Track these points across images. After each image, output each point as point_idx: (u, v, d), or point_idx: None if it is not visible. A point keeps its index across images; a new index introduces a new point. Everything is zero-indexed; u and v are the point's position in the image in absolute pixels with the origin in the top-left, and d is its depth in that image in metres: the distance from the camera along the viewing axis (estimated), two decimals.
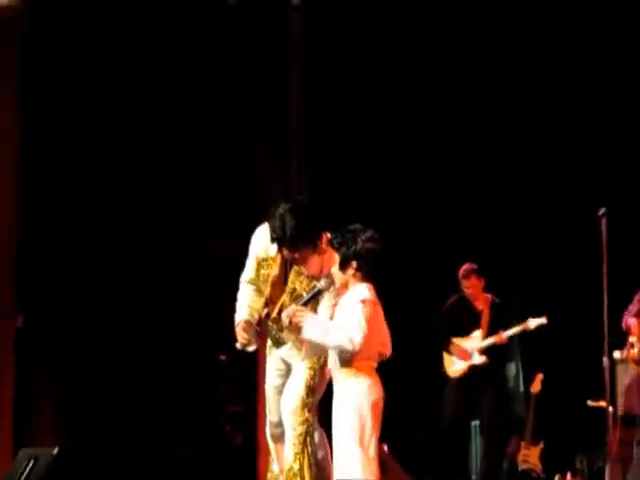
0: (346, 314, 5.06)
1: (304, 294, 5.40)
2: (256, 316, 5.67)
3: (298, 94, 9.66)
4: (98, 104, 9.33)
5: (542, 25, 9.82)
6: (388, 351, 5.19)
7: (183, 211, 9.67)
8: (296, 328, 5.16)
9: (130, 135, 9.49)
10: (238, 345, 5.67)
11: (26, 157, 9.08)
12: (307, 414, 5.40)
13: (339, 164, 9.67)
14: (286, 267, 5.58)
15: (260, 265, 5.68)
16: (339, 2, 9.81)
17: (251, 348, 5.73)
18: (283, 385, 5.70)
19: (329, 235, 5.40)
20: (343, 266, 5.12)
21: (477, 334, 8.89)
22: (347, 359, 5.03)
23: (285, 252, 5.47)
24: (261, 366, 9.71)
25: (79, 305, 9.35)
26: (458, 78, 10.05)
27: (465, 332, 8.93)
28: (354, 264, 5.09)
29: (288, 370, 5.70)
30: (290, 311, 5.15)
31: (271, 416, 5.71)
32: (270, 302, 5.63)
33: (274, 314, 5.55)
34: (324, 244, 5.45)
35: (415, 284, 9.89)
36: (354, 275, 5.11)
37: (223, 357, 9.99)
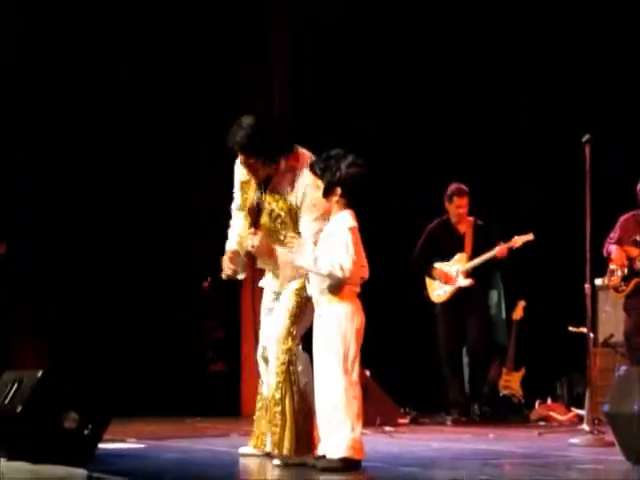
0: (332, 241, 5.06)
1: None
2: (245, 245, 5.67)
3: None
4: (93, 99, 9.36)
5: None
6: (366, 274, 5.21)
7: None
8: (264, 251, 5.22)
9: (125, 131, 9.55)
10: (223, 275, 5.68)
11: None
12: (291, 343, 5.39)
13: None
14: (258, 211, 5.58)
15: (243, 189, 5.68)
16: None
17: (240, 276, 5.75)
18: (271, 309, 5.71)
19: (306, 153, 5.44)
20: (327, 193, 5.11)
21: (460, 257, 8.89)
22: (337, 286, 5.04)
23: (242, 159, 5.46)
24: (245, 293, 9.81)
25: (63, 231, 9.36)
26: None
27: (448, 256, 8.92)
28: (338, 190, 5.08)
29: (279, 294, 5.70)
30: (252, 237, 5.33)
31: (262, 338, 5.72)
32: (251, 227, 5.63)
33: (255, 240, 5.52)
34: (298, 162, 5.44)
35: (398, 207, 9.91)
36: (337, 202, 5.10)
37: (207, 284, 10.01)
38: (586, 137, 6.98)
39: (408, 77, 10.10)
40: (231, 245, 5.74)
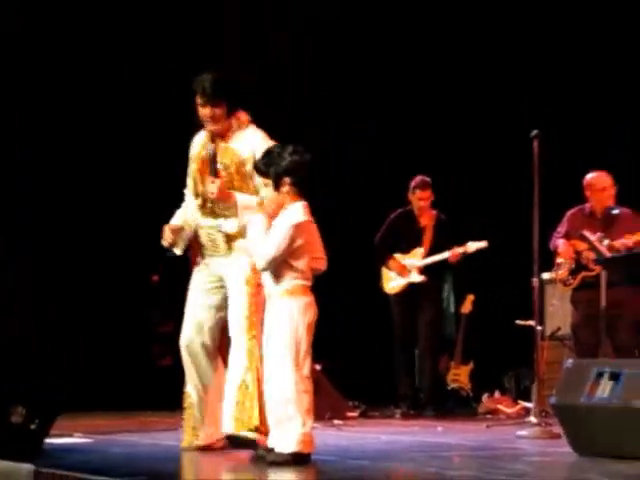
0: (275, 231, 5.07)
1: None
2: (191, 225, 5.71)
3: None
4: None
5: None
6: (323, 266, 5.21)
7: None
8: (224, 197, 5.29)
9: (124, 131, 9.57)
10: (164, 242, 5.70)
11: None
12: (254, 330, 5.43)
13: None
14: (214, 160, 5.62)
15: (190, 164, 5.75)
16: None
17: (177, 251, 5.77)
18: (214, 302, 5.69)
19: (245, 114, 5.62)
20: (277, 185, 5.10)
21: (417, 251, 8.90)
22: (278, 275, 5.04)
23: (203, 111, 5.56)
24: None
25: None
26: None
27: (408, 247, 8.93)
28: (287, 180, 5.07)
29: (220, 286, 5.67)
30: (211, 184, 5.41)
31: (192, 325, 5.71)
32: (197, 194, 5.67)
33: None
34: (244, 118, 5.62)
35: (359, 199, 9.95)
36: (288, 192, 5.08)
37: (156, 277, 9.96)
38: (534, 132, 7.03)
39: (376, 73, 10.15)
40: (176, 220, 5.80)
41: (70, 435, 6.42)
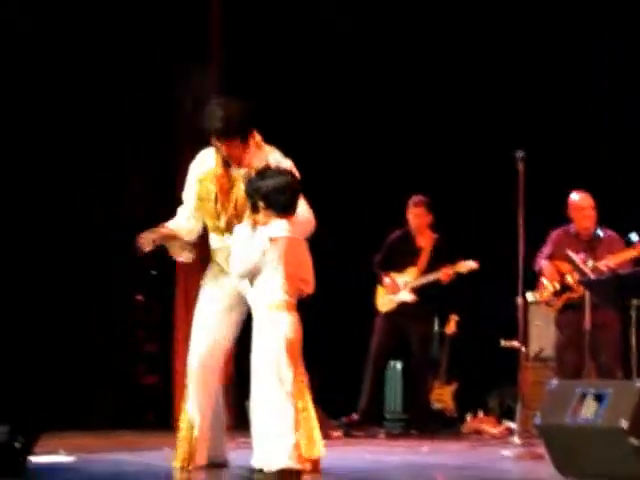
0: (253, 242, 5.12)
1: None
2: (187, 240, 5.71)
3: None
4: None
5: None
6: (309, 289, 5.23)
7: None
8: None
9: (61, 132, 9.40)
10: (141, 244, 5.62)
11: None
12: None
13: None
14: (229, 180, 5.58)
15: (201, 183, 5.65)
16: None
17: (182, 258, 5.78)
18: (229, 311, 5.62)
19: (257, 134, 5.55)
20: (253, 209, 5.16)
21: (411, 271, 8.92)
22: (261, 287, 5.07)
23: (218, 146, 5.50)
24: (179, 305, 9.77)
25: None
26: None
27: (402, 267, 8.94)
28: (261, 204, 5.12)
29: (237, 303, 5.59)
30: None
31: (208, 342, 5.61)
32: (219, 214, 5.61)
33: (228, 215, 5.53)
34: (255, 139, 5.54)
35: (358, 218, 9.98)
36: (266, 215, 5.13)
37: (139, 297, 9.96)
38: (519, 153, 7.08)
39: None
40: (169, 224, 5.74)
41: (54, 453, 6.39)
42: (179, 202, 5.85)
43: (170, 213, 5.90)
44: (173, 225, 5.76)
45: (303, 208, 5.35)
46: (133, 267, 9.70)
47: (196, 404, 5.64)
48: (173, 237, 5.72)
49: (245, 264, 5.09)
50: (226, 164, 5.58)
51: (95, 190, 9.69)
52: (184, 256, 5.79)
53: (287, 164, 5.46)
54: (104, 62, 9.56)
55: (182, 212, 5.79)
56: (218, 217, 5.58)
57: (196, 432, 5.62)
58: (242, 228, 5.21)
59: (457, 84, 10.08)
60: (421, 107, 10.17)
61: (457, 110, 10.06)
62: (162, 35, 9.73)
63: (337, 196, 9.48)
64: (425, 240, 8.99)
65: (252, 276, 5.12)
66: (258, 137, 5.61)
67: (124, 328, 10.01)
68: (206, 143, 5.67)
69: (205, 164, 5.67)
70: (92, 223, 9.69)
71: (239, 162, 5.53)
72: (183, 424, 5.67)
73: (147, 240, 5.60)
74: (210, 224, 5.64)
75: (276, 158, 5.52)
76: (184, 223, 5.74)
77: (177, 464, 5.67)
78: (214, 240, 5.66)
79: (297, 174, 5.41)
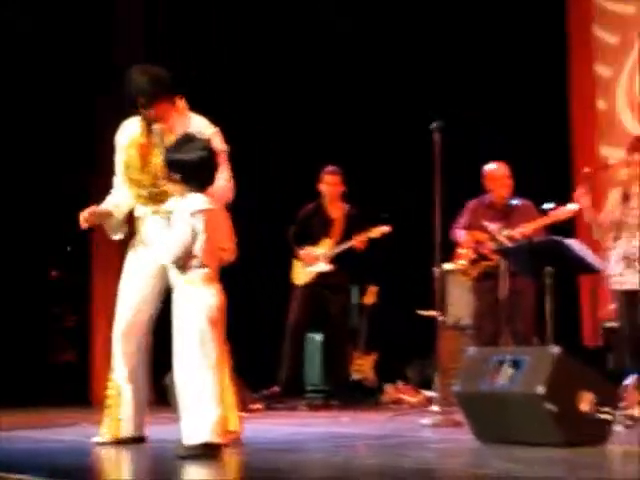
0: (177, 224, 5.05)
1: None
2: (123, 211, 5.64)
3: None
4: None
5: None
6: (231, 256, 5.21)
7: None
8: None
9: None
10: (82, 223, 5.56)
11: None
12: None
13: None
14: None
15: (126, 151, 5.60)
16: None
17: (115, 236, 5.72)
18: (151, 281, 5.58)
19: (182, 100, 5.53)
20: (168, 177, 5.11)
21: (326, 242, 8.93)
22: (181, 266, 5.03)
23: (144, 113, 5.47)
24: (97, 280, 9.68)
25: None
26: None
27: (317, 239, 8.96)
28: (175, 177, 5.07)
29: (159, 272, 5.53)
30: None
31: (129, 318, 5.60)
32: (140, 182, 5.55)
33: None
34: (180, 105, 5.52)
35: (271, 193, 9.96)
36: (181, 187, 5.08)
37: (55, 273, 9.85)
38: (436, 124, 7.11)
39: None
40: (105, 205, 5.67)
41: None
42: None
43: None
44: (111, 201, 5.69)
45: (224, 174, 5.32)
46: (47, 242, 9.61)
47: (121, 373, 5.63)
48: (108, 215, 5.64)
49: (177, 249, 5.00)
50: (149, 131, 5.54)
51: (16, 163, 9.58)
52: (120, 233, 5.72)
53: (210, 132, 5.41)
54: (103, 62, 9.52)
55: (116, 183, 5.73)
56: (140, 185, 5.53)
57: (123, 399, 5.58)
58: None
59: (377, 54, 10.10)
60: (338, 76, 10.18)
61: (375, 80, 10.08)
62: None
63: (252, 167, 9.44)
64: (337, 211, 9.02)
65: (186, 258, 5.04)
66: (182, 103, 5.57)
67: (40, 304, 9.90)
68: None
69: (128, 131, 5.63)
70: (8, 196, 9.56)
71: (165, 126, 5.49)
72: (111, 391, 5.66)
73: (83, 219, 5.54)
74: (134, 192, 5.58)
75: (199, 125, 5.47)
76: (120, 195, 5.67)
77: (104, 434, 5.62)
78: (137, 209, 5.61)
79: (219, 144, 5.37)
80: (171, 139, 5.37)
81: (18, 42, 9.37)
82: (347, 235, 8.86)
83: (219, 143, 5.44)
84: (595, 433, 5.23)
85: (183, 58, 9.59)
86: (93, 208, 5.62)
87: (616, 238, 6.70)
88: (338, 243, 8.89)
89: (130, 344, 5.58)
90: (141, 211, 5.61)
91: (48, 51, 9.50)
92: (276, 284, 9.31)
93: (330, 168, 9.00)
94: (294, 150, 10.15)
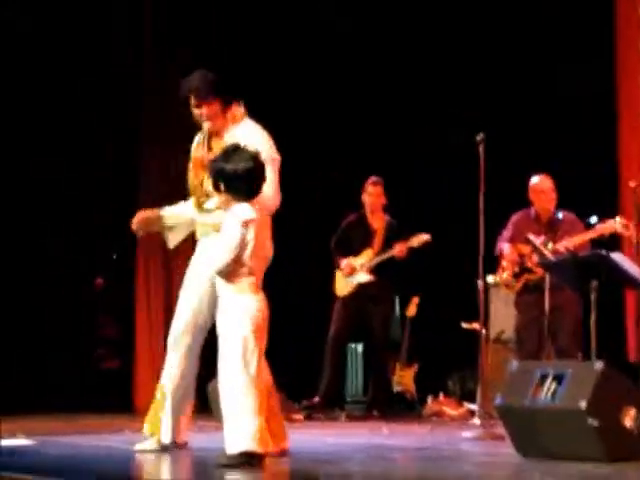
0: (225, 233, 5.08)
1: None
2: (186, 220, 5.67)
3: None
4: None
5: None
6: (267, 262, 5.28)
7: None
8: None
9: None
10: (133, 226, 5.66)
11: None
12: None
13: None
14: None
15: (190, 162, 5.70)
16: None
17: (169, 244, 5.77)
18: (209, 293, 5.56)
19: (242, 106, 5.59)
20: (214, 186, 5.14)
21: (367, 252, 8.92)
22: (227, 274, 5.04)
23: (198, 110, 5.55)
24: (140, 290, 9.73)
25: None
26: None
27: (359, 250, 8.96)
28: (222, 186, 5.09)
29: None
30: None
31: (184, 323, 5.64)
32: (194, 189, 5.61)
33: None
34: (236, 112, 5.59)
35: (315, 202, 9.98)
36: (227, 198, 5.11)
37: (100, 280, 9.92)
38: (480, 136, 7.09)
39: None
40: (163, 210, 5.73)
41: (13, 437, 6.35)
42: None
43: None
44: (172, 208, 5.75)
45: (270, 183, 5.34)
46: (94, 250, 9.68)
47: (170, 377, 5.63)
48: (158, 219, 5.68)
49: (225, 257, 5.02)
50: (208, 138, 5.60)
51: (60, 172, 9.64)
52: (174, 241, 5.76)
53: (258, 139, 5.43)
54: (104, 62, 9.59)
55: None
56: (194, 192, 5.60)
57: (168, 404, 5.60)
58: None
59: (420, 67, 10.08)
60: (382, 88, 10.17)
61: (418, 92, 10.06)
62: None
63: (293, 178, 9.46)
64: (379, 221, 9.04)
65: (233, 269, 5.05)
66: (239, 111, 5.63)
67: (85, 311, 9.97)
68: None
69: (194, 145, 5.73)
70: (54, 206, 9.64)
71: (217, 132, 5.55)
72: (157, 395, 5.67)
73: (134, 224, 5.63)
74: (193, 200, 5.64)
75: (246, 131, 5.50)
76: (185, 204, 5.73)
77: (146, 439, 5.64)
78: (195, 215, 5.66)
79: (268, 152, 5.40)
80: (220, 144, 5.43)
81: (18, 42, 9.42)
82: (388, 245, 8.86)
83: (270, 153, 5.46)
84: (638, 449, 5.19)
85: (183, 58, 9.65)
86: (142, 212, 5.67)
87: None
88: (379, 254, 8.89)
89: (183, 346, 5.59)
90: (196, 217, 5.65)
91: (48, 51, 9.53)
92: (319, 295, 9.31)
93: (373, 179, 9.02)
94: (338, 162, 10.16)
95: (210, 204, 5.53)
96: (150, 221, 5.69)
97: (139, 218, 5.67)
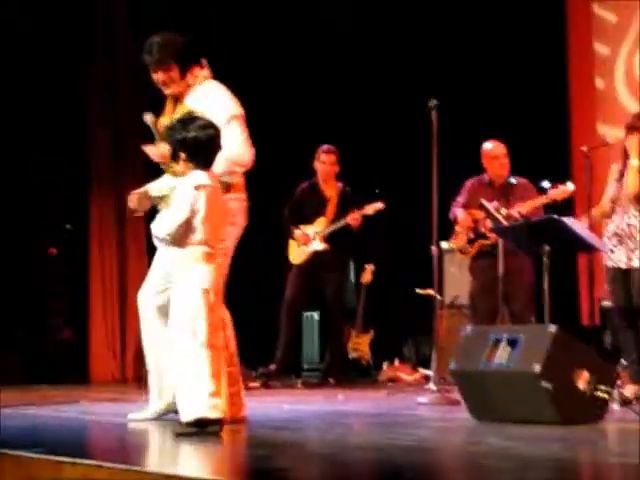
0: (177, 199, 5.04)
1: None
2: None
3: None
4: None
5: None
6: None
7: None
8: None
9: None
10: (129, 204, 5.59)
11: None
12: None
13: None
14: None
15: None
16: None
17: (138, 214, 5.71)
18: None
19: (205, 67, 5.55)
20: (174, 156, 5.08)
21: (320, 221, 8.93)
22: (177, 239, 5.00)
23: (156, 77, 5.52)
24: (94, 260, 9.68)
25: None
26: None
27: (312, 219, 8.96)
28: (182, 155, 5.05)
29: None
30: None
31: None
32: None
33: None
34: (197, 74, 5.54)
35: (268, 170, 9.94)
36: (186, 166, 5.06)
37: (52, 250, 9.85)
38: (432, 102, 7.10)
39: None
40: (147, 185, 5.67)
41: None
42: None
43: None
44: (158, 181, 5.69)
45: (239, 139, 5.32)
46: (47, 219, 9.61)
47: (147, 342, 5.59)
48: (147, 194, 5.60)
49: (174, 220, 4.97)
50: (173, 104, 5.56)
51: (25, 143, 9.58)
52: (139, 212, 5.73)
53: (219, 96, 5.42)
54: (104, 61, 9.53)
55: None
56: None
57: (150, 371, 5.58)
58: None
59: (372, 32, 10.06)
60: (333, 54, 10.15)
61: (370, 58, 10.05)
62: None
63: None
64: (332, 189, 9.01)
65: (184, 234, 5.01)
66: (200, 72, 5.58)
67: (37, 282, 9.90)
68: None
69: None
70: (6, 177, 9.56)
71: (179, 96, 5.52)
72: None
73: (132, 205, 5.55)
74: (168, 168, 5.57)
75: (207, 90, 5.48)
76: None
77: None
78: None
79: (233, 108, 5.40)
80: (184, 109, 5.38)
81: (18, 42, 9.36)
82: (342, 214, 8.86)
83: (234, 109, 5.43)
84: (591, 411, 5.25)
85: None
86: (133, 193, 5.57)
87: (611, 214, 6.71)
88: (332, 222, 8.89)
89: (151, 311, 5.51)
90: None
91: (48, 51, 9.51)
92: (273, 263, 9.30)
93: (326, 147, 8.99)
94: (289, 129, 10.13)
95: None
96: (143, 199, 5.62)
97: (134, 199, 5.57)
